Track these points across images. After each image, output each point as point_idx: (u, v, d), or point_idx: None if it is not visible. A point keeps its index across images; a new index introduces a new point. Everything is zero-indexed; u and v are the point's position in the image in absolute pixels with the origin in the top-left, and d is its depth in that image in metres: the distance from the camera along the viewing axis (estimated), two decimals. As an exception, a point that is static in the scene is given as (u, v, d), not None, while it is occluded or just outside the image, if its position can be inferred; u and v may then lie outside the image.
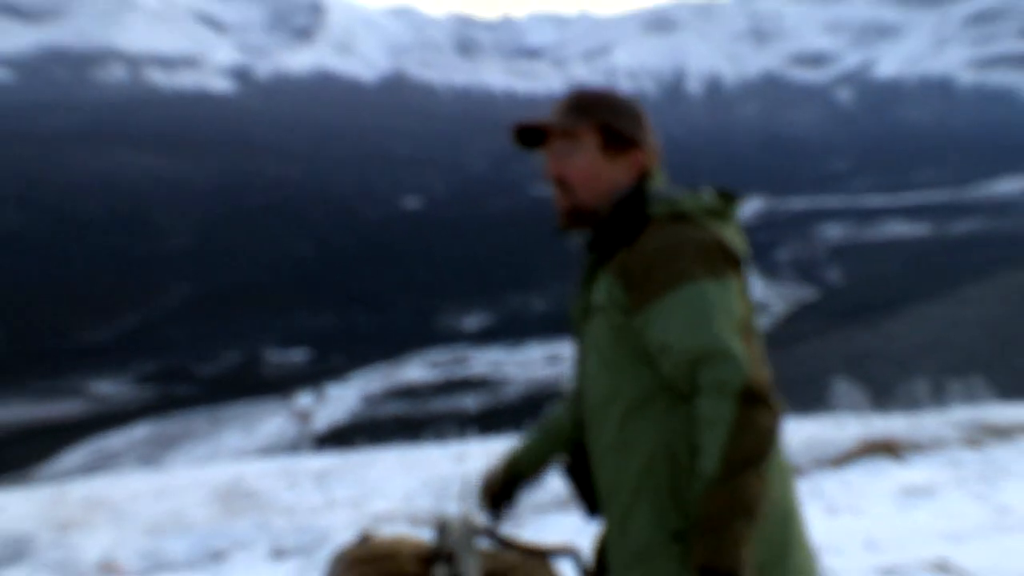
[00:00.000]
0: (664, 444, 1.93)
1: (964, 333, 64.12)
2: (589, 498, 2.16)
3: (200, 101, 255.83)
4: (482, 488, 2.55)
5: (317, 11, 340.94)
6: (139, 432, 65.21)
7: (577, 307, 2.07)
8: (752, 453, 1.70)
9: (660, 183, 2.03)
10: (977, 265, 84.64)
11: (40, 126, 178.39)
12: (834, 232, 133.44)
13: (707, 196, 1.92)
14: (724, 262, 1.81)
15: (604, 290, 1.93)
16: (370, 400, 71.80)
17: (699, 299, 1.75)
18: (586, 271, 2.04)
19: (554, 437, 2.43)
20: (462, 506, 6.36)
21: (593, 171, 2.01)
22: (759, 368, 1.74)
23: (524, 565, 3.11)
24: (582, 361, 2.07)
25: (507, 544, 3.15)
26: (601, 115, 2.02)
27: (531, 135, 2.10)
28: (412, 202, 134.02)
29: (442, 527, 3.08)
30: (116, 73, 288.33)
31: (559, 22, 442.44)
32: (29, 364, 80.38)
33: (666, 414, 1.92)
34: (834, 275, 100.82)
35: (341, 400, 71.45)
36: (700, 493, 1.74)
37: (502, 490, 2.52)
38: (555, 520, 5.71)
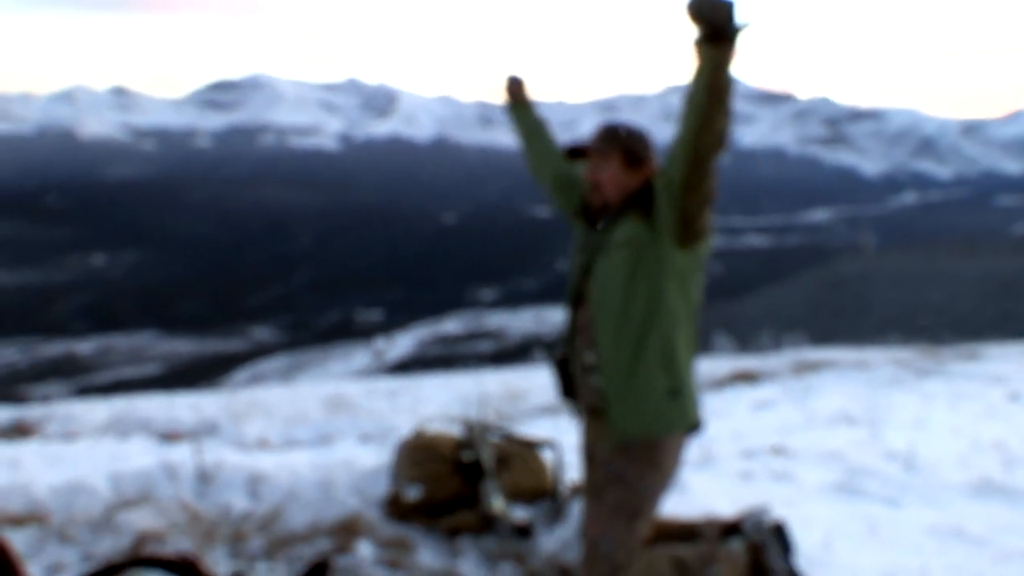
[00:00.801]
0: (664, 332, 1.90)
1: (793, 305, 64.12)
2: (566, 384, 2.11)
3: (320, 156, 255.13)
4: (510, 84, 2.46)
5: (392, 98, 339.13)
6: (279, 361, 65.38)
7: (589, 247, 2.02)
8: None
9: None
10: (800, 262, 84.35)
11: (226, 173, 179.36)
12: (715, 242, 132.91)
13: None
14: None
15: (627, 230, 1.91)
16: (422, 344, 71.91)
17: None
18: (607, 226, 1.99)
19: (542, 135, 2.37)
20: (480, 413, 6.34)
21: (617, 179, 1.99)
22: None
23: (520, 452, 3.10)
24: (590, 278, 1.99)
25: (508, 438, 3.14)
26: (623, 142, 2.00)
27: (577, 153, 2.11)
28: (449, 219, 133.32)
29: (468, 426, 3.07)
30: (270, 139, 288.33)
31: (544, 107, 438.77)
32: (217, 318, 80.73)
33: (666, 313, 1.90)
34: (715, 268, 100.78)
35: (403, 344, 71.57)
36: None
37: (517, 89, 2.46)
38: (541, 423, 5.69)
